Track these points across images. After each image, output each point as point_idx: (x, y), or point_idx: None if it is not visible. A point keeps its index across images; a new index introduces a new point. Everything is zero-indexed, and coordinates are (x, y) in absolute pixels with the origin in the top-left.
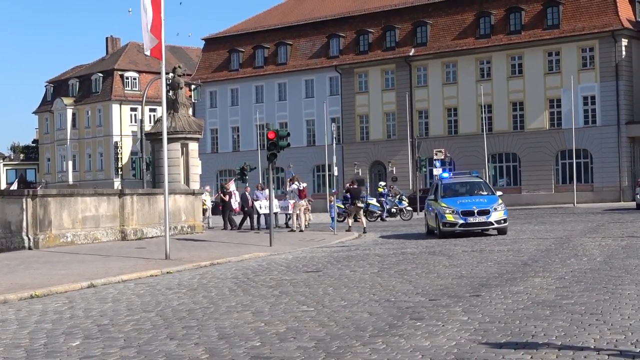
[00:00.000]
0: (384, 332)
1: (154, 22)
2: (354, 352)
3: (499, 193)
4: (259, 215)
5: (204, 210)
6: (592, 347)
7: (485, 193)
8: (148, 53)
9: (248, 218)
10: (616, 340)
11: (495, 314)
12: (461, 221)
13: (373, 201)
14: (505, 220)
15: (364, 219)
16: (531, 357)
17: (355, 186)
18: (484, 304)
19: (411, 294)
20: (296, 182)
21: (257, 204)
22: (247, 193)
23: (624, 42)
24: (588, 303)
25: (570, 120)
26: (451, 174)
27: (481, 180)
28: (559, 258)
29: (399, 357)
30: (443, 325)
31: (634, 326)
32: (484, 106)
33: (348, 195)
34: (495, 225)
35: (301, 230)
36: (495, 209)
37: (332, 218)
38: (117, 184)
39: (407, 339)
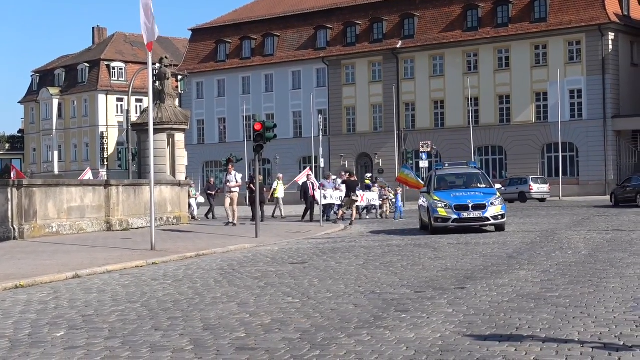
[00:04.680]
0: (369, 323)
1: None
2: (339, 343)
3: (497, 186)
4: (319, 205)
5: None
6: (577, 339)
7: (483, 186)
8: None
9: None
10: (600, 333)
11: (480, 306)
12: (454, 216)
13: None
14: (502, 216)
15: (354, 212)
16: (515, 350)
17: (353, 178)
18: (469, 297)
19: (396, 286)
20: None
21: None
22: (308, 182)
23: (611, 36)
24: (573, 296)
25: (557, 114)
26: (446, 165)
27: (479, 172)
28: (544, 251)
29: (383, 349)
30: (428, 318)
31: (618, 319)
32: (471, 99)
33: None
34: (492, 221)
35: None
36: (492, 204)
37: (397, 207)
38: (102, 174)
39: (392, 330)
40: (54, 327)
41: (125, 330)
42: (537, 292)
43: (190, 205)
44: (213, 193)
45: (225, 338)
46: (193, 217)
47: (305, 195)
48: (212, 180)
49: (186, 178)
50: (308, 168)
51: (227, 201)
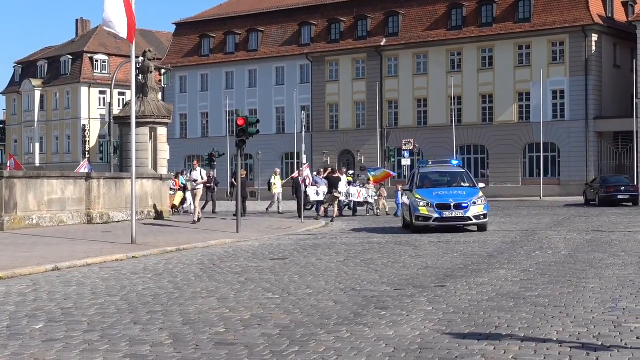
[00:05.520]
0: (348, 320)
1: (126, 4)
2: (318, 340)
3: (481, 185)
4: (310, 202)
5: (183, 200)
6: (555, 339)
7: (467, 185)
8: (109, 29)
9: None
10: (579, 333)
11: (460, 304)
12: (436, 215)
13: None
14: (485, 216)
15: (336, 209)
16: (494, 348)
17: (335, 175)
18: (449, 295)
19: (377, 284)
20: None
21: (312, 189)
22: (299, 178)
23: (594, 37)
24: (552, 296)
25: (539, 114)
26: (429, 162)
27: (463, 171)
28: (524, 250)
29: (363, 346)
30: (407, 315)
31: (597, 319)
32: (454, 98)
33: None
34: (474, 221)
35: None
36: (474, 203)
37: (399, 205)
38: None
39: (372, 328)
40: (33, 320)
41: (104, 323)
42: (517, 292)
43: (185, 200)
44: (212, 186)
45: (205, 333)
46: (186, 212)
47: (297, 191)
48: (212, 173)
49: (182, 172)
50: (307, 164)
51: (196, 198)
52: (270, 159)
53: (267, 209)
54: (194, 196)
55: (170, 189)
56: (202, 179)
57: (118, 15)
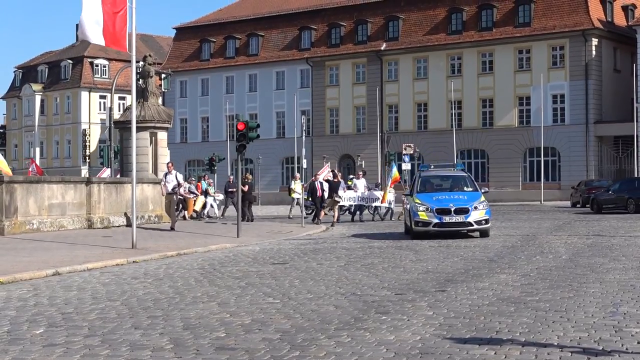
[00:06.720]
0: (349, 325)
1: (119, 10)
2: (319, 344)
3: (484, 189)
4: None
5: (205, 205)
6: (556, 344)
7: (470, 189)
8: (92, 40)
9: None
10: (579, 338)
11: (461, 309)
12: (435, 220)
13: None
14: (487, 221)
15: (337, 213)
16: (495, 353)
17: (336, 180)
18: (450, 299)
19: (377, 288)
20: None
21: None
22: (316, 182)
23: (594, 41)
24: (552, 300)
25: (539, 118)
26: (431, 166)
27: (465, 175)
28: (525, 255)
29: (363, 351)
30: (408, 320)
31: (597, 324)
32: (454, 102)
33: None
34: (475, 226)
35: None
36: (475, 208)
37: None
38: (84, 171)
39: (373, 332)
40: (33, 325)
41: (104, 328)
42: (517, 296)
43: (206, 205)
44: (234, 191)
45: (205, 338)
46: (209, 217)
47: (313, 195)
48: (232, 178)
49: (205, 177)
50: (328, 164)
51: (167, 204)
52: (270, 163)
53: (289, 215)
54: (168, 202)
55: (191, 192)
56: (180, 183)
57: (93, 21)
